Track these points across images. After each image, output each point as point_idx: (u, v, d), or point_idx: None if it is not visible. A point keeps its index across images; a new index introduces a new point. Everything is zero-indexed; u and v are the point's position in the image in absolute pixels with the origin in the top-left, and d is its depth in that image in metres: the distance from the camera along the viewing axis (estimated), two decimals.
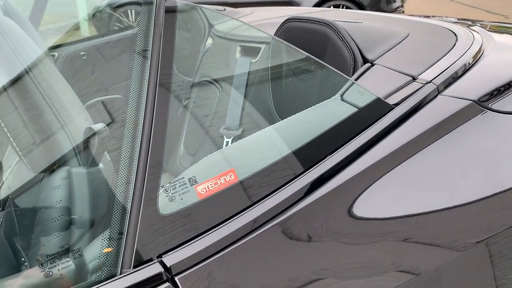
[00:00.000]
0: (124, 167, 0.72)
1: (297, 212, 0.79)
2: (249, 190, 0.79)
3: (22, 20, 1.18)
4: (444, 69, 1.08)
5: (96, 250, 0.69)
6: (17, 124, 0.88)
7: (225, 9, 2.10)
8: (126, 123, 0.72)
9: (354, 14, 1.90)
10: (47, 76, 0.91)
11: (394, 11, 5.46)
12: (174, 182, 0.74)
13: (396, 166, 0.86)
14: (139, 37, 0.79)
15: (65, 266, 0.66)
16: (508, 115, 0.98)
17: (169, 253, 0.70)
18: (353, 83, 0.98)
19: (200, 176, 0.76)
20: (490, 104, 0.99)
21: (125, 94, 0.74)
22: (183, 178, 0.74)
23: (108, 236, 0.69)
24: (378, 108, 0.94)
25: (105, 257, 0.67)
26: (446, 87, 1.04)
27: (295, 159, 0.85)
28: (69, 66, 2.10)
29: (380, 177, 0.84)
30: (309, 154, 0.86)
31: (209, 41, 1.93)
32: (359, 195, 0.82)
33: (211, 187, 0.76)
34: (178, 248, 0.71)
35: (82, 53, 2.21)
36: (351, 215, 0.83)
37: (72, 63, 2.13)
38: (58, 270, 0.65)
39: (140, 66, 0.77)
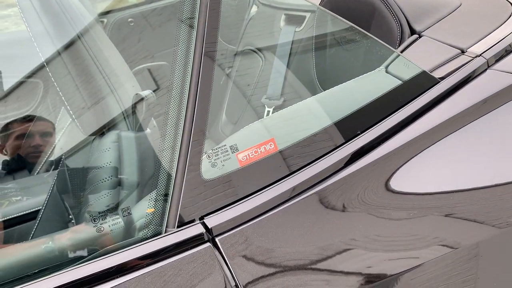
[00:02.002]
0: (170, 132, 0.75)
1: (336, 183, 0.81)
2: (288, 160, 0.81)
3: None
4: (496, 42, 1.04)
5: (143, 209, 0.73)
6: (70, 88, 0.93)
7: None
8: (172, 91, 0.75)
9: None
10: (98, 43, 0.95)
11: None
12: (216, 149, 0.77)
13: (439, 140, 0.85)
14: (185, 4, 0.81)
15: (115, 222, 0.71)
16: None
17: (211, 215, 0.74)
18: (399, 55, 0.96)
19: (241, 144, 0.79)
20: None
21: (172, 62, 0.77)
22: (225, 145, 0.77)
23: (154, 197, 0.73)
24: (423, 81, 0.93)
25: (151, 216, 0.72)
26: (497, 61, 1.00)
27: (336, 130, 0.86)
28: (117, 33, 2.15)
29: (422, 151, 0.84)
30: (350, 126, 0.86)
31: (254, 9, 1.92)
32: (399, 169, 0.83)
33: (251, 155, 0.78)
34: (219, 211, 0.74)
35: (129, 19, 2.25)
36: (389, 189, 0.83)
37: (120, 30, 2.18)
38: (109, 226, 0.70)
39: (187, 33, 0.79)
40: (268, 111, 1.62)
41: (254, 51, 1.72)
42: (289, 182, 0.79)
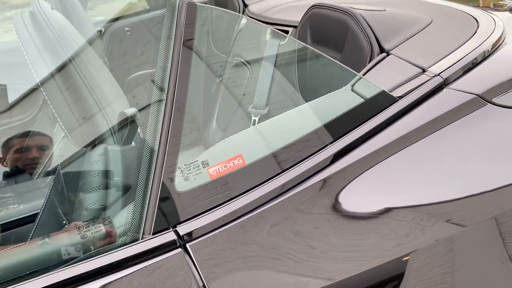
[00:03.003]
0: (147, 149, 0.85)
1: (297, 194, 0.90)
2: (255, 173, 0.90)
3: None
4: (456, 61, 1.12)
5: (123, 218, 0.83)
6: (63, 107, 1.03)
7: None
8: (149, 114, 0.85)
9: None
10: (88, 65, 1.05)
11: None
12: (189, 164, 0.86)
13: (389, 157, 0.94)
14: (162, 28, 0.91)
15: (97, 230, 0.81)
16: (509, 109, 1.02)
17: (183, 224, 0.83)
18: (361, 77, 1.05)
19: (212, 159, 0.88)
20: (494, 98, 1.03)
21: (149, 86, 0.86)
22: (196, 161, 0.87)
23: (133, 207, 0.83)
24: (382, 100, 1.01)
25: (130, 224, 0.81)
26: (455, 80, 1.08)
27: (300, 146, 0.95)
28: (114, 41, 2.25)
29: (369, 169, 0.93)
30: (313, 142, 0.95)
31: (243, 21, 2.01)
32: (347, 184, 0.92)
33: (221, 169, 0.88)
34: (191, 220, 0.84)
35: (126, 28, 2.35)
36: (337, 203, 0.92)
37: (117, 39, 2.28)
38: (92, 233, 0.80)
39: (163, 59, 0.89)
40: (254, 120, 1.71)
41: (242, 62, 1.81)
42: (255, 194, 0.88)
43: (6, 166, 1.22)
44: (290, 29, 1.71)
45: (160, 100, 0.88)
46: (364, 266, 0.87)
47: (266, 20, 1.82)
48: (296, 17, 1.68)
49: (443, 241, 0.92)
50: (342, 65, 1.07)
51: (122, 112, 1.00)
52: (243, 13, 2.00)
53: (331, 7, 1.39)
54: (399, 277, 0.91)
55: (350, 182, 0.92)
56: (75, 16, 1.43)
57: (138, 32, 2.36)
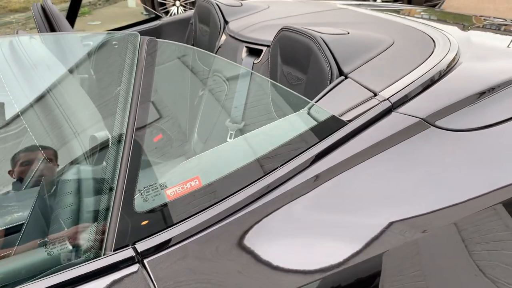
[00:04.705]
0: (110, 171, 0.94)
1: (247, 213, 0.98)
2: (210, 193, 0.99)
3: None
4: (406, 85, 1.20)
5: (87, 235, 0.92)
6: (41, 133, 1.12)
7: (241, 4, 2.24)
8: (113, 139, 0.94)
9: (359, 16, 2.00)
10: (65, 94, 1.15)
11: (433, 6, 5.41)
12: (148, 186, 0.95)
13: (331, 179, 1.02)
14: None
15: (63, 247, 0.90)
16: (450, 132, 1.10)
17: (141, 241, 0.92)
18: (313, 104, 1.14)
19: (170, 181, 0.97)
20: (437, 121, 1.12)
21: (111, 116, 0.96)
22: (155, 183, 0.96)
23: (96, 225, 0.92)
24: (332, 123, 1.10)
25: (93, 241, 0.90)
26: (403, 103, 1.16)
27: (253, 166, 1.04)
28: (101, 55, 2.34)
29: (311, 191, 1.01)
30: (262, 167, 1.04)
31: (223, 37, 2.10)
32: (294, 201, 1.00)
33: (178, 190, 0.97)
34: (148, 238, 0.93)
35: (114, 42, 2.44)
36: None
37: (104, 52, 2.37)
38: (57, 250, 0.89)
39: (125, 88, 0.99)
40: (231, 134, 1.80)
41: (221, 78, 1.91)
42: (209, 212, 0.97)
43: (14, 178, 1.33)
44: (264, 48, 1.80)
45: (120, 134, 0.97)
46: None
47: (242, 39, 1.91)
48: (270, 36, 1.77)
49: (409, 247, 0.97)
50: (294, 93, 1.15)
51: (92, 136, 1.09)
52: (223, 30, 2.09)
53: (297, 31, 1.48)
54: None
55: (297, 198, 1.01)
56: (62, 37, 1.52)
57: (125, 45, 2.44)
